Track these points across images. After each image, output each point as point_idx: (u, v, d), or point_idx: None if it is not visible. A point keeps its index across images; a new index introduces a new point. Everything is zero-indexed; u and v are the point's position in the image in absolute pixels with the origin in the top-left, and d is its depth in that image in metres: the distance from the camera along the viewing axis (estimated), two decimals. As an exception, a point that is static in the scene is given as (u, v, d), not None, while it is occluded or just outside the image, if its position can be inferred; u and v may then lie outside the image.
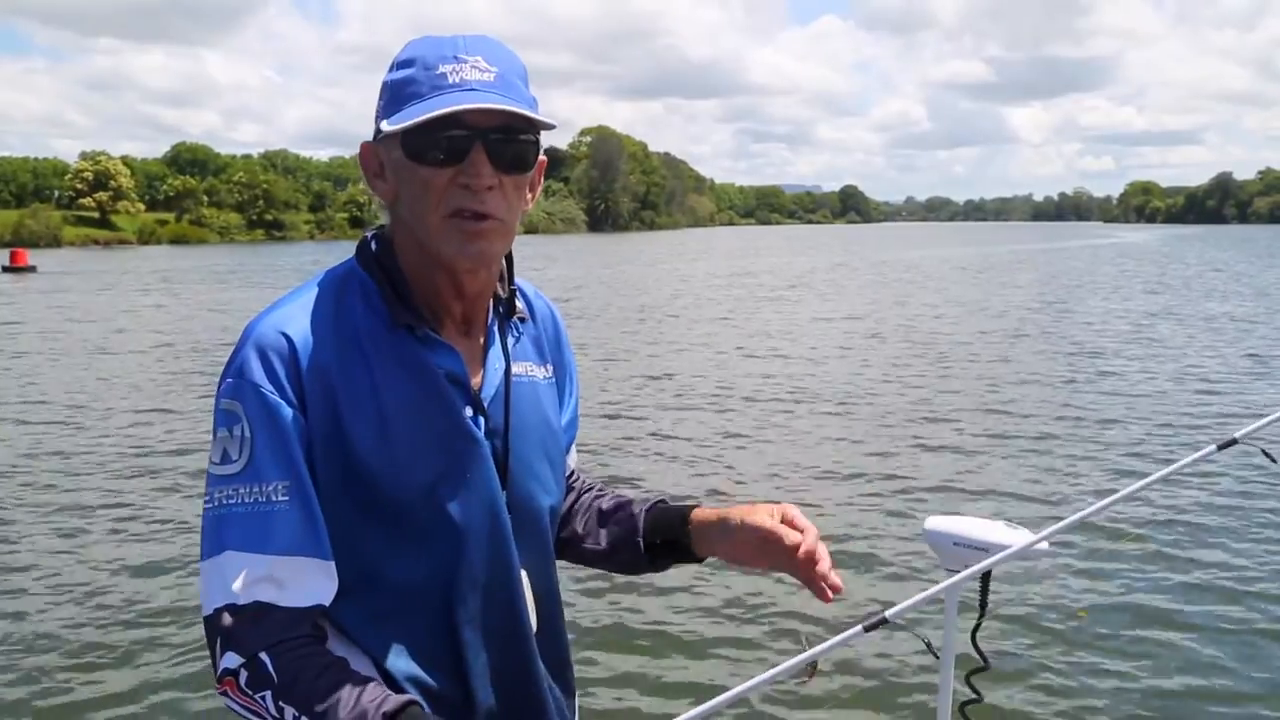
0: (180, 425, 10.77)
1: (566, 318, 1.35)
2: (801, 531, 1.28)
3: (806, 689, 4.69)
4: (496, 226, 1.19)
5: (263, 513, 1.12)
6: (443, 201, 1.16)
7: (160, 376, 14.25)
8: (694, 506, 1.41)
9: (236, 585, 1.11)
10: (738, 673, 4.94)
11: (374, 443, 1.17)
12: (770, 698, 4.70)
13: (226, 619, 1.10)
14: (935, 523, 2.05)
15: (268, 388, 1.14)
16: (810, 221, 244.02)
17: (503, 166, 1.17)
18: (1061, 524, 2.11)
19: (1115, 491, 7.45)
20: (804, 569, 1.27)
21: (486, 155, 1.16)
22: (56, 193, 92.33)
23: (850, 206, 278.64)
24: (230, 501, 1.13)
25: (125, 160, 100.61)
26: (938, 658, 1.92)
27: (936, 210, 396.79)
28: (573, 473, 1.52)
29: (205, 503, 1.16)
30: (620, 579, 5.87)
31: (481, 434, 1.25)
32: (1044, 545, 1.93)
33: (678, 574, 5.93)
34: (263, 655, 1.09)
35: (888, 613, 1.79)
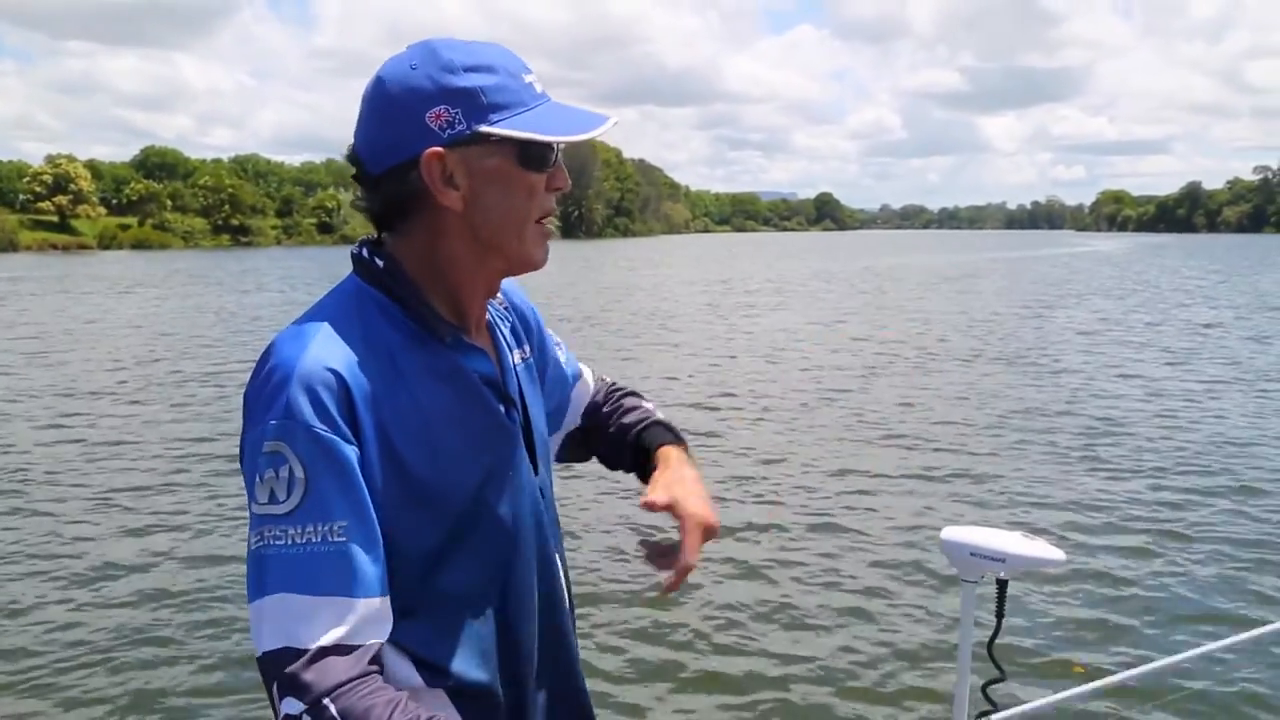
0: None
1: (548, 325, 1.50)
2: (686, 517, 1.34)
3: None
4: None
5: (316, 554, 1.11)
6: (539, 206, 1.23)
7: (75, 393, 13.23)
8: (662, 444, 1.50)
9: (291, 627, 1.09)
10: (754, 669, 4.98)
11: (425, 458, 1.19)
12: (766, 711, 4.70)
13: (283, 663, 1.09)
14: (952, 533, 2.01)
15: (321, 427, 1.12)
16: (786, 229, 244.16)
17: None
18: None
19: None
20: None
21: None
22: (21, 196, 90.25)
23: (825, 214, 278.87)
24: (278, 542, 1.11)
25: (92, 164, 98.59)
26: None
27: (911, 218, 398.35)
28: (596, 382, 1.63)
29: (253, 542, 1.13)
30: (617, 568, 6.23)
31: (517, 428, 1.31)
32: (1062, 556, 1.94)
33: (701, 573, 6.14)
34: (326, 701, 1.07)
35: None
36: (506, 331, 1.40)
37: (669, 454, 1.47)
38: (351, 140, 1.22)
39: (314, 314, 1.22)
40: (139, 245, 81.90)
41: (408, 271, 1.24)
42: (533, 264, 1.26)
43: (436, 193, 1.19)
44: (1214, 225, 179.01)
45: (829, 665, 5.08)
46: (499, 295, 1.41)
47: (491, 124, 1.17)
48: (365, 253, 1.26)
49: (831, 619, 5.65)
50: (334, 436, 1.12)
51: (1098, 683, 2.61)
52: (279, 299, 29.29)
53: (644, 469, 1.49)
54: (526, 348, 1.44)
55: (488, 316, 1.35)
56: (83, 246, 79.77)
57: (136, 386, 13.68)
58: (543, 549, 1.32)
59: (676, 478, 1.40)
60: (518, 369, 1.37)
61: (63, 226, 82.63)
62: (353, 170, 1.24)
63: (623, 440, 1.53)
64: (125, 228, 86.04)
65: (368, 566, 1.13)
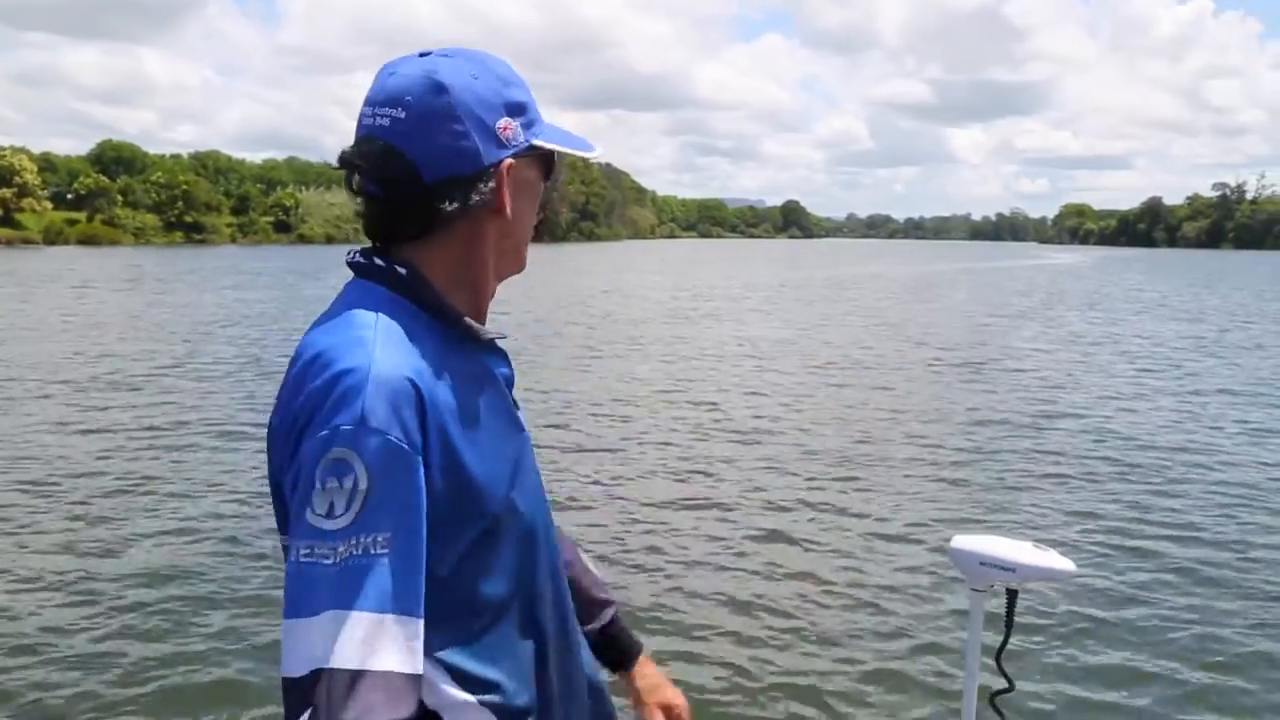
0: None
1: (521, 330, 1.59)
2: None
3: None
4: None
5: (368, 568, 1.06)
6: (535, 214, 1.32)
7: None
8: (639, 649, 1.66)
9: (329, 647, 1.04)
10: (757, 676, 4.95)
11: (476, 463, 1.18)
12: None
13: (318, 685, 1.03)
14: (961, 541, 2.02)
15: (398, 437, 1.09)
16: (752, 235, 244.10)
17: None
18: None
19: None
20: None
21: None
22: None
23: (792, 222, 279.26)
24: (326, 560, 1.06)
25: (47, 156, 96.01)
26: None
27: (878, 227, 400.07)
28: None
29: (301, 554, 1.07)
30: (628, 579, 6.19)
31: (528, 429, 1.33)
32: (1073, 567, 1.96)
33: (695, 567, 6.43)
34: None
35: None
36: None
37: (645, 663, 1.65)
38: (335, 146, 1.22)
39: (359, 320, 1.17)
40: (87, 241, 79.36)
41: (432, 278, 1.23)
42: (514, 272, 1.36)
43: (503, 201, 1.22)
44: (1174, 240, 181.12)
45: (835, 673, 5.01)
46: None
47: (538, 137, 1.25)
48: (383, 261, 1.24)
49: (837, 627, 5.57)
50: (408, 448, 1.10)
51: None
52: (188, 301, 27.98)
53: (608, 654, 1.62)
54: None
55: None
56: (27, 241, 77.05)
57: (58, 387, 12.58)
58: (552, 557, 1.32)
59: (659, 683, 1.64)
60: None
61: (6, 220, 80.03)
62: (392, 175, 1.19)
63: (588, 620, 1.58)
64: (73, 223, 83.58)
65: (413, 584, 1.09)
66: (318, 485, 1.08)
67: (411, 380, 1.12)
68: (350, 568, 1.05)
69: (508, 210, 1.23)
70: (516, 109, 1.23)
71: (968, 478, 8.84)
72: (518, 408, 1.32)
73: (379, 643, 1.05)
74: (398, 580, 1.07)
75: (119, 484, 8.29)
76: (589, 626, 1.55)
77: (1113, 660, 5.17)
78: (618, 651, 1.62)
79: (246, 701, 4.60)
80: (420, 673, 1.09)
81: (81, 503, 7.72)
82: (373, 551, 1.06)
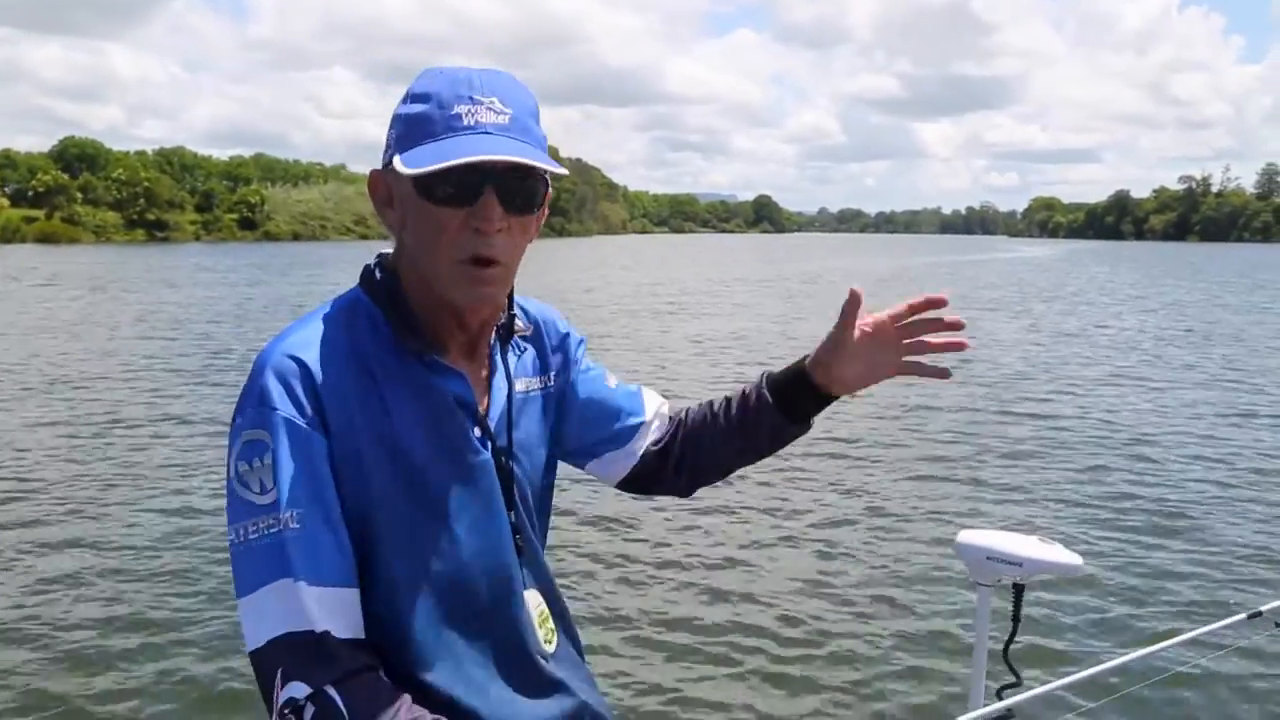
0: None
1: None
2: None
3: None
4: (501, 272, 1.20)
5: (299, 539, 1.11)
6: (455, 245, 1.17)
7: None
8: (804, 358, 1.48)
9: (291, 613, 1.09)
10: (766, 672, 4.92)
11: (387, 467, 1.18)
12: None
13: (283, 649, 1.09)
14: (968, 536, 2.03)
15: (291, 413, 1.13)
16: (724, 230, 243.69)
17: (513, 208, 1.18)
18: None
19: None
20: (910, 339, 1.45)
21: (498, 198, 1.16)
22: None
23: (763, 216, 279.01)
24: (272, 529, 1.11)
25: (7, 153, 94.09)
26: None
27: (849, 221, 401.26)
28: (658, 415, 1.54)
29: (236, 536, 1.13)
30: (642, 578, 6.12)
31: (489, 456, 1.27)
32: (1079, 561, 1.96)
33: (707, 567, 6.31)
34: (330, 690, 1.07)
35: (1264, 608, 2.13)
36: (519, 361, 1.37)
37: (813, 362, 1.47)
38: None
39: (306, 317, 1.23)
40: (45, 239, 77.57)
41: (404, 284, 1.24)
42: (451, 304, 1.22)
43: (377, 210, 1.25)
44: (1141, 233, 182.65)
45: (842, 668, 5.00)
46: (520, 325, 1.38)
47: (401, 153, 1.16)
48: (372, 263, 1.28)
49: (844, 622, 5.56)
50: (304, 425, 1.13)
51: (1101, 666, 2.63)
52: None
53: (789, 403, 1.48)
54: (549, 377, 1.42)
55: (490, 342, 1.33)
56: (-18, 239, 75.50)
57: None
58: (505, 585, 1.28)
59: (827, 345, 1.45)
60: (518, 398, 1.34)
61: (-39, 218, 78.14)
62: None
63: (745, 393, 1.50)
64: (31, 220, 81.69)
65: (343, 556, 1.14)
66: (240, 467, 1.13)
67: (303, 362, 1.15)
68: (290, 540, 1.10)
69: (386, 219, 1.24)
70: (395, 123, 1.21)
71: (970, 472, 8.71)
72: (485, 434, 1.27)
73: (325, 607, 1.09)
74: (337, 551, 1.13)
75: (93, 479, 8.26)
76: (768, 423, 1.47)
77: (1120, 654, 4.89)
78: (794, 389, 1.48)
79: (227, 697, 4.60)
80: (363, 636, 1.13)
81: (61, 499, 7.68)
82: (308, 525, 1.11)
